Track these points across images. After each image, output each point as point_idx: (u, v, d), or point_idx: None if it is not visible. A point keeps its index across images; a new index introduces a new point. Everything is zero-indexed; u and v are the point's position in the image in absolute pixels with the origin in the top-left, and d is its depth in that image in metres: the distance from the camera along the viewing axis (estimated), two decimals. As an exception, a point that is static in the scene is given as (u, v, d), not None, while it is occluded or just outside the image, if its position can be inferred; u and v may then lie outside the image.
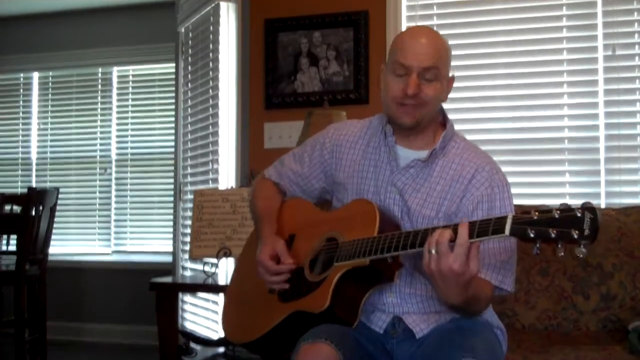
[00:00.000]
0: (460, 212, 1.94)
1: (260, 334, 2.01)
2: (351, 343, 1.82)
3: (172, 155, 5.02)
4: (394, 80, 1.95)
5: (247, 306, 2.15)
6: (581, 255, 1.49)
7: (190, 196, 4.32)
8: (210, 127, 4.25)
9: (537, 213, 1.52)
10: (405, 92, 1.91)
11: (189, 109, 4.55)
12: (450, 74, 2.01)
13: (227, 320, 2.24)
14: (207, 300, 4.11)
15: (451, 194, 1.95)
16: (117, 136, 6.01)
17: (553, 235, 1.49)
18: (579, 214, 1.48)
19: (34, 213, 4.44)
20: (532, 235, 1.51)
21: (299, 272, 2.00)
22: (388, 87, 1.97)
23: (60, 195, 4.87)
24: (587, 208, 1.48)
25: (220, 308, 3.69)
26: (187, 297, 4.37)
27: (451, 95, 2.03)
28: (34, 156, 6.18)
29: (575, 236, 1.47)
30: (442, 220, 1.93)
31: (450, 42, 2.01)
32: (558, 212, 1.50)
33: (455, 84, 2.03)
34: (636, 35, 3.54)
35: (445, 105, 2.07)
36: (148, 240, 5.86)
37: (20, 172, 6.23)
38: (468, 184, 1.95)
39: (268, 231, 2.10)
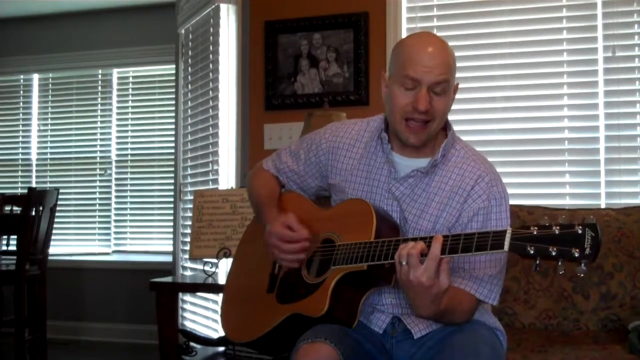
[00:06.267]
0: (457, 223, 1.93)
1: (259, 334, 2.01)
2: (351, 342, 1.82)
3: (172, 156, 5.02)
4: (402, 93, 1.88)
5: (245, 305, 2.14)
6: (581, 275, 1.47)
7: (190, 196, 4.32)
8: (210, 128, 4.25)
9: (536, 228, 1.51)
10: (415, 107, 1.85)
11: (189, 110, 4.55)
12: (455, 82, 1.95)
13: (226, 318, 2.22)
14: (207, 299, 4.12)
15: (450, 206, 1.93)
16: (117, 137, 6.02)
17: (554, 253, 1.48)
18: (579, 231, 1.46)
19: (34, 213, 4.45)
20: (531, 252, 1.50)
21: (296, 272, 1.99)
22: (395, 99, 1.90)
23: (60, 196, 4.87)
24: (588, 225, 1.46)
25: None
26: (187, 297, 4.37)
27: (452, 95, 2.00)
28: (34, 157, 6.19)
29: (576, 255, 1.46)
30: (439, 233, 1.91)
31: (450, 43, 1.95)
32: (558, 227, 1.48)
33: (455, 84, 1.99)
34: (636, 36, 3.55)
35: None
36: (148, 240, 5.87)
37: (20, 172, 6.24)
38: (467, 196, 1.93)
39: (274, 212, 2.07)
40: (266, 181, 2.23)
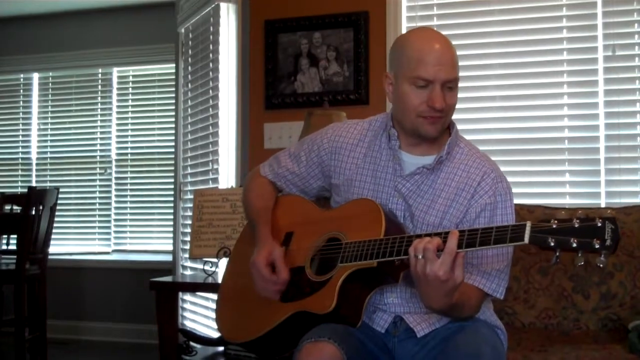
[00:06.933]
0: (465, 219, 1.95)
1: (259, 333, 1.99)
2: (354, 342, 1.83)
3: (172, 155, 5.02)
4: (413, 91, 1.90)
5: (243, 304, 2.13)
6: (601, 265, 1.51)
7: (190, 196, 4.32)
8: (210, 127, 4.25)
9: (556, 222, 1.53)
10: (431, 106, 1.88)
11: (189, 109, 4.55)
12: None
13: (222, 317, 2.20)
14: (207, 299, 4.12)
15: (457, 202, 1.95)
16: (117, 136, 6.02)
17: (574, 245, 1.51)
18: (599, 224, 1.49)
19: (34, 213, 4.45)
20: (552, 244, 1.53)
21: (299, 271, 1.98)
22: (407, 98, 1.92)
23: (60, 195, 4.87)
24: (608, 218, 1.49)
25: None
26: (187, 296, 4.37)
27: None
28: (34, 156, 6.19)
29: (597, 246, 1.49)
30: (446, 228, 1.92)
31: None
32: (578, 221, 1.51)
33: (456, 84, 2.00)
34: (636, 35, 3.55)
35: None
36: (148, 240, 5.87)
37: (20, 172, 6.24)
38: (474, 192, 1.95)
39: (265, 233, 2.07)
40: (262, 191, 2.22)
